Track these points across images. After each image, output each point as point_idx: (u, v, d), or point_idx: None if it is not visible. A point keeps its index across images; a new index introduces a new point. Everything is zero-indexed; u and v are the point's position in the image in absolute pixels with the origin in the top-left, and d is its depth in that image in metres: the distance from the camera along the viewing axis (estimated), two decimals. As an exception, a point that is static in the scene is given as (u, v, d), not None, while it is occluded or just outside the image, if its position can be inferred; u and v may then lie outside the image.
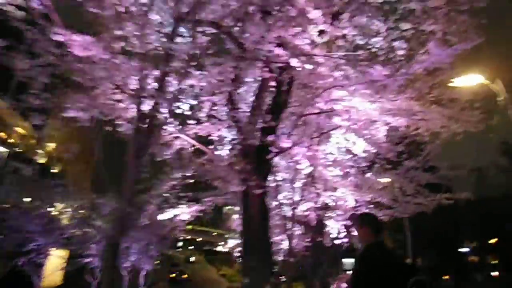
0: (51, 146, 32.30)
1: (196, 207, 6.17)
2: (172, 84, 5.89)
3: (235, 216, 17.68)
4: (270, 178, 11.03)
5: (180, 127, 6.95)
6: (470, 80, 7.72)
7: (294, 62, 5.41)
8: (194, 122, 6.79)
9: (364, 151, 8.50)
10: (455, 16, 6.56)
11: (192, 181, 6.85)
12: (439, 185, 12.39)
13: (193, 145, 6.68)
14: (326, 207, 12.03)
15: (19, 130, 28.17)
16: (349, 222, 11.79)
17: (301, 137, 6.11)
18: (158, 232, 20.74)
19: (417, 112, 6.40)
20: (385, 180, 11.55)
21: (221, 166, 6.34)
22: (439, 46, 5.30)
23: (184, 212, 5.99)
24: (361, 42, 7.36)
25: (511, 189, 22.63)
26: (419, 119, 6.69)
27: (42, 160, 30.00)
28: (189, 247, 57.86)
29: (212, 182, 6.76)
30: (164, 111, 5.08)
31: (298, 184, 10.16)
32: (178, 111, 6.86)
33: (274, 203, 11.05)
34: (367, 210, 9.42)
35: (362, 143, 7.24)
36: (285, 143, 5.15)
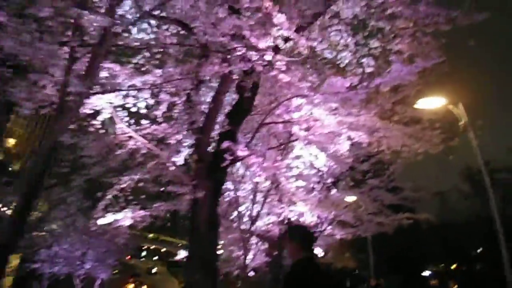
0: (11, 142, 30.66)
1: (141, 213, 5.75)
2: (123, 77, 5.57)
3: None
4: (232, 188, 10.82)
5: (135, 126, 6.58)
6: (433, 102, 7.82)
7: (258, 67, 5.21)
8: (149, 122, 6.43)
9: (326, 166, 8.37)
10: (420, 37, 6.62)
11: (141, 184, 6.43)
12: (402, 206, 12.48)
13: (147, 147, 6.29)
14: (289, 223, 11.81)
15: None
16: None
17: (260, 147, 5.88)
18: (116, 239, 19.85)
19: (378, 128, 6.31)
20: (351, 198, 11.50)
21: (173, 171, 5.98)
22: (401, 63, 5.22)
23: (127, 217, 5.56)
24: (330, 56, 7.31)
25: (473, 215, 23.18)
26: (381, 136, 6.60)
27: (-1, 156, 28.45)
28: (153, 258, 56.10)
29: (165, 187, 6.39)
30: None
31: (260, 196, 9.88)
32: (133, 109, 6.52)
33: (234, 215, 10.75)
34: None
35: (323, 157, 7.08)
36: (241, 151, 4.88)
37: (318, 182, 11.26)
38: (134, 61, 6.83)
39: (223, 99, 5.41)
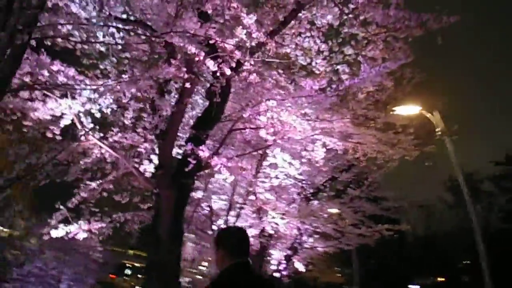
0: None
1: (97, 225, 5.38)
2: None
3: (189, 244, 16.58)
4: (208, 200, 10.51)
5: (101, 134, 6.28)
6: (409, 110, 7.77)
7: (226, 69, 5.01)
8: (117, 130, 6.14)
9: (304, 175, 8.14)
10: (392, 43, 6.56)
11: (106, 194, 6.07)
12: (386, 217, 12.29)
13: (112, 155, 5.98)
14: (269, 235, 11.49)
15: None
16: (289, 252, 11.34)
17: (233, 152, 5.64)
18: (94, 256, 19.04)
19: (352, 134, 6.14)
20: (333, 210, 11.27)
21: (140, 179, 5.67)
22: (368, 65, 5.10)
23: (83, 230, 5.19)
24: (303, 62, 7.21)
25: (458, 226, 23.15)
26: (355, 143, 6.43)
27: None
28: (138, 275, 54.44)
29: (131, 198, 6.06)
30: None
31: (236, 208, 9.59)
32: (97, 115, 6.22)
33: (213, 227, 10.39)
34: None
35: (298, 165, 6.86)
36: (202, 152, 4.59)
37: (299, 194, 11.03)
38: (102, 66, 6.62)
39: (186, 102, 5.17)
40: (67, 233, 5.03)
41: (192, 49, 4.16)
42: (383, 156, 6.64)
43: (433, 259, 24.74)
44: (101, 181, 5.99)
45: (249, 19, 5.28)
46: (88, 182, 5.96)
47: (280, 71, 7.17)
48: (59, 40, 5.43)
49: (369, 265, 24.69)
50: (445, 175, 23.86)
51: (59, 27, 5.96)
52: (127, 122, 6.38)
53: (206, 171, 6.28)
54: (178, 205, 5.01)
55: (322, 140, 6.70)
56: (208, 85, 6.18)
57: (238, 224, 11.47)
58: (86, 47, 6.41)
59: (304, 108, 5.84)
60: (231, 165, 4.63)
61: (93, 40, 6.34)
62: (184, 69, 4.58)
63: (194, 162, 4.84)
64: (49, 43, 5.73)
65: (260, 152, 8.30)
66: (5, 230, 16.77)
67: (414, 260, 25.33)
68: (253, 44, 5.31)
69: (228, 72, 5.14)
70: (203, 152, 4.58)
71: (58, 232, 4.93)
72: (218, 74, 5.88)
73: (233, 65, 5.30)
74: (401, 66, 9.00)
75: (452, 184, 22.37)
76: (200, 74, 7.22)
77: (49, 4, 5.51)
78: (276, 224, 10.71)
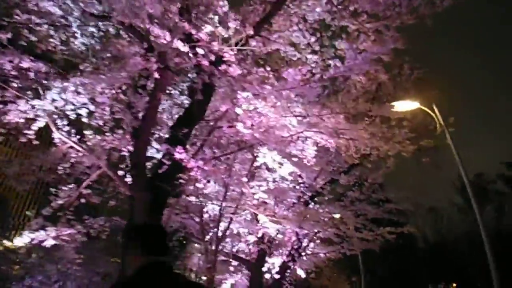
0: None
1: (66, 231, 5.04)
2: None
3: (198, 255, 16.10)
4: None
5: (78, 137, 5.99)
6: (407, 105, 7.41)
7: (204, 61, 4.71)
8: (91, 132, 5.85)
9: (300, 176, 7.74)
10: (384, 33, 6.21)
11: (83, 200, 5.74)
12: (391, 221, 11.74)
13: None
14: (268, 241, 11.05)
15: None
16: (288, 258, 10.86)
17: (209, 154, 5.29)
18: (101, 269, 18.72)
19: (342, 130, 5.75)
20: (336, 215, 10.80)
21: (117, 182, 5.34)
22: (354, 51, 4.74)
23: (51, 237, 4.85)
24: (294, 58, 6.88)
25: (469, 229, 22.37)
26: (347, 139, 6.04)
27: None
28: None
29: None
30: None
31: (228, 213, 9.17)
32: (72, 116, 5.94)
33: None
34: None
35: (288, 165, 6.46)
36: (178, 153, 4.26)
37: (298, 198, 10.60)
38: (81, 67, 6.39)
39: (160, 98, 4.84)
40: (31, 240, 4.70)
41: (158, 32, 3.84)
42: (377, 152, 6.23)
43: (444, 264, 23.92)
44: (77, 185, 5.67)
45: (223, 7, 5.00)
46: (64, 188, 5.65)
47: (268, 68, 6.86)
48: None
49: (379, 271, 23.99)
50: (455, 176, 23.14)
51: (38, 28, 5.78)
52: (101, 123, 6.08)
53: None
54: (152, 209, 4.65)
55: (313, 138, 6.33)
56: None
57: (235, 230, 11.08)
58: (64, 48, 6.21)
59: (290, 103, 5.49)
60: (208, 168, 4.28)
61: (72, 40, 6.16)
62: (154, 60, 4.28)
63: (169, 164, 4.50)
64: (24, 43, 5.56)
65: (249, 155, 7.98)
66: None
67: (425, 266, 24.52)
68: (231, 33, 4.99)
69: (206, 63, 4.83)
70: (180, 154, 4.23)
71: (23, 239, 4.60)
72: (198, 70, 5.62)
73: (212, 58, 5.00)
74: (400, 62, 8.65)
75: (462, 185, 21.66)
76: (182, 71, 6.94)
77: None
78: (277, 230, 10.28)
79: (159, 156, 5.75)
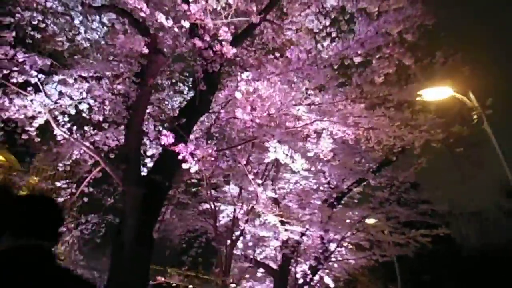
0: (35, 179, 31.12)
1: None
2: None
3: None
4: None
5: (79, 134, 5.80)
6: (439, 93, 6.59)
7: (198, 42, 4.30)
8: (92, 128, 5.62)
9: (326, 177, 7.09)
10: (407, 8, 5.53)
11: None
12: (427, 224, 10.74)
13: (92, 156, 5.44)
14: (293, 246, 10.41)
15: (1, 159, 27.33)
16: (312, 263, 10.10)
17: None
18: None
19: (360, 117, 5.13)
20: (368, 220, 10.02)
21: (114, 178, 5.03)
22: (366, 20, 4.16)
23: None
24: (308, 47, 6.35)
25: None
26: (366, 128, 5.40)
27: (23, 193, 28.83)
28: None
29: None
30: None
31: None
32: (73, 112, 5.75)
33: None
34: None
35: (300, 159, 5.88)
36: (165, 138, 3.81)
37: (325, 200, 9.92)
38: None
39: (151, 84, 4.48)
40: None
41: (159, 17, 3.47)
42: (402, 143, 5.53)
43: (489, 274, 21.92)
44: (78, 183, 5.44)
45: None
46: (64, 186, 5.44)
47: (278, 55, 6.37)
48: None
49: (420, 281, 22.43)
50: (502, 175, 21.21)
51: (42, 25, 5.66)
52: (101, 118, 5.83)
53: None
54: (147, 205, 4.26)
55: (328, 128, 5.74)
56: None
57: (260, 234, 10.52)
58: (68, 44, 6.07)
59: (295, 85, 4.97)
60: (199, 153, 3.84)
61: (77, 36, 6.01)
62: (142, 43, 3.93)
63: (160, 154, 4.11)
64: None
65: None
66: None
67: (469, 276, 22.60)
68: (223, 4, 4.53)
69: (200, 44, 4.41)
70: (166, 138, 3.80)
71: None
72: (198, 56, 5.24)
73: (207, 38, 4.58)
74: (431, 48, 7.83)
75: (509, 187, 19.78)
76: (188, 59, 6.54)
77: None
78: (303, 234, 9.62)
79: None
